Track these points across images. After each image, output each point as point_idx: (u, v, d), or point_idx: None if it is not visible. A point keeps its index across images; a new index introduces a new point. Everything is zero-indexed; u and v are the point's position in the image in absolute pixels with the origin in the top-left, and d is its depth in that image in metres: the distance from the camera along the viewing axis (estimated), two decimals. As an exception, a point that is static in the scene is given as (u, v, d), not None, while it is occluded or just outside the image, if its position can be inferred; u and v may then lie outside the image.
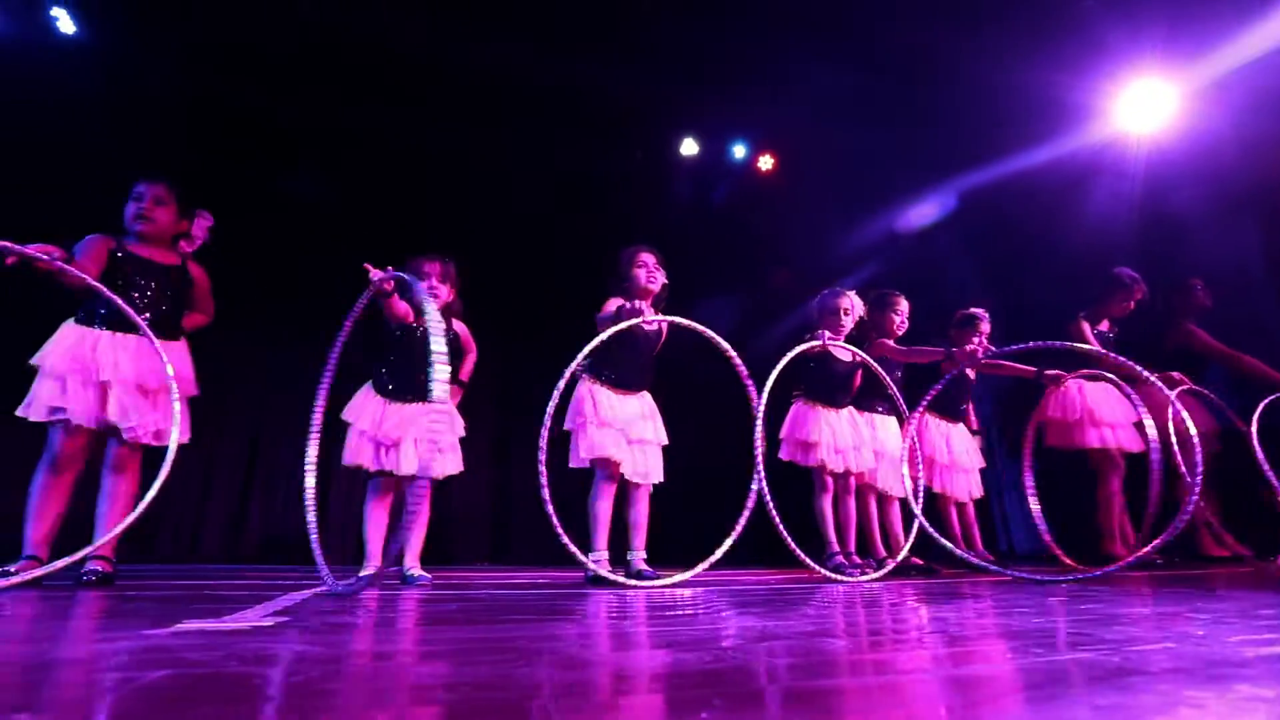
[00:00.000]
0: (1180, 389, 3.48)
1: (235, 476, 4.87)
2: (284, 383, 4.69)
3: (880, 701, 0.73)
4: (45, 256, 2.08)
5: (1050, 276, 4.58)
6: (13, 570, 2.12)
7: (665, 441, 2.80)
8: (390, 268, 2.40)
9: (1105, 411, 3.65)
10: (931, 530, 2.83)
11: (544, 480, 2.30)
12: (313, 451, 2.22)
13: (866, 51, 4.61)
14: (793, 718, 0.65)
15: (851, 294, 3.33)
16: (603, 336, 2.51)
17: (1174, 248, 4.44)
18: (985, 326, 3.62)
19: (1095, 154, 4.73)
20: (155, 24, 4.49)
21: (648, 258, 2.95)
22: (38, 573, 2.06)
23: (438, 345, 1.71)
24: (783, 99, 5.12)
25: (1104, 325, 3.84)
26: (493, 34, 4.59)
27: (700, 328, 2.60)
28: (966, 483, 3.61)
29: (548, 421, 2.37)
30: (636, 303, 2.51)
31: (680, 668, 0.88)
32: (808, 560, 2.70)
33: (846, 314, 3.28)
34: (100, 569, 2.24)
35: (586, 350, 2.48)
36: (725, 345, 2.58)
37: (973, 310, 3.69)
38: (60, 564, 2.05)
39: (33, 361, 2.28)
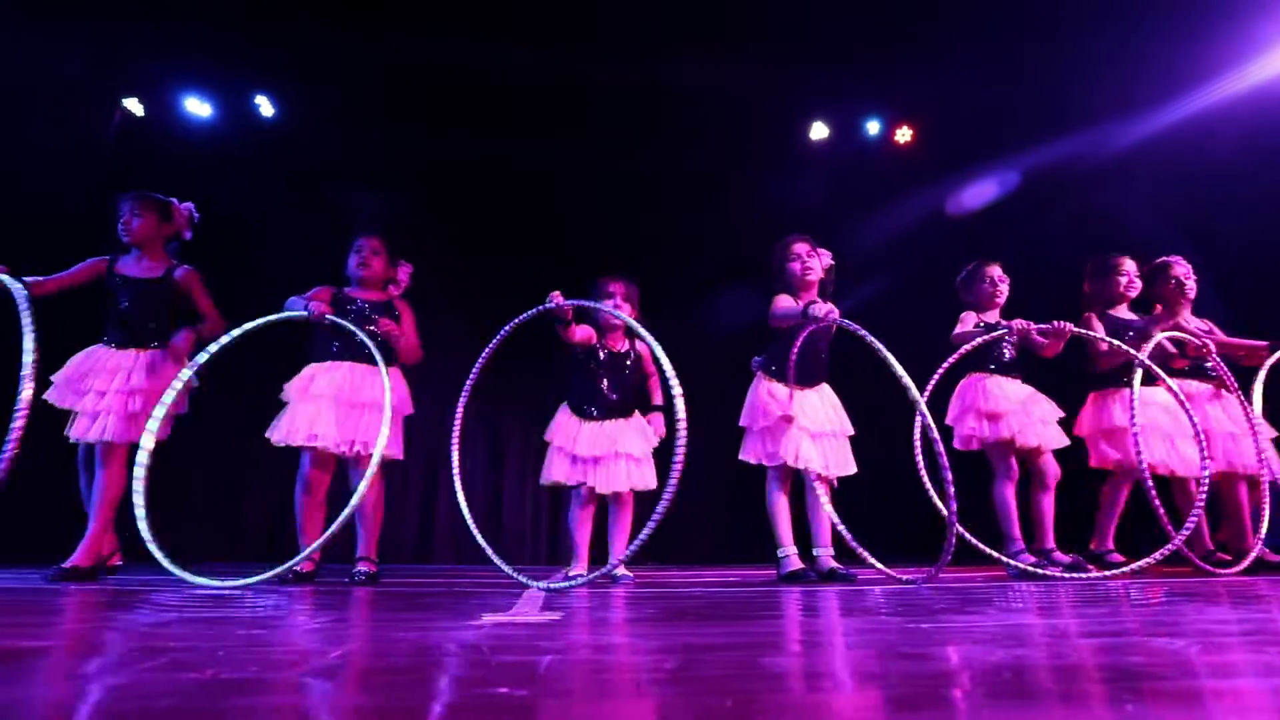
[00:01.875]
0: None
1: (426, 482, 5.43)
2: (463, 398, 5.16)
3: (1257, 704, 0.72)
4: (323, 315, 2.61)
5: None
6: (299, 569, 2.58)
7: (850, 432, 2.80)
8: (558, 294, 2.57)
9: None
10: None
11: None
12: (455, 457, 2.49)
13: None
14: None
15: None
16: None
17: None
18: (1178, 268, 3.24)
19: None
20: (337, 98, 5.15)
21: (800, 247, 2.94)
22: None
23: (667, 364, 1.90)
24: (917, 66, 4.90)
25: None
26: (616, 51, 4.80)
27: (862, 332, 2.57)
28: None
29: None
30: (821, 304, 2.54)
31: (990, 664, 0.94)
32: (997, 555, 2.60)
33: (1000, 281, 3.10)
34: (368, 569, 2.64)
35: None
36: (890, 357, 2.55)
37: (1165, 260, 3.31)
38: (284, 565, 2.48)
39: (283, 398, 2.74)
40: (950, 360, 2.77)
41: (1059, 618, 1.44)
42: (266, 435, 2.69)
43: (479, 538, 2.36)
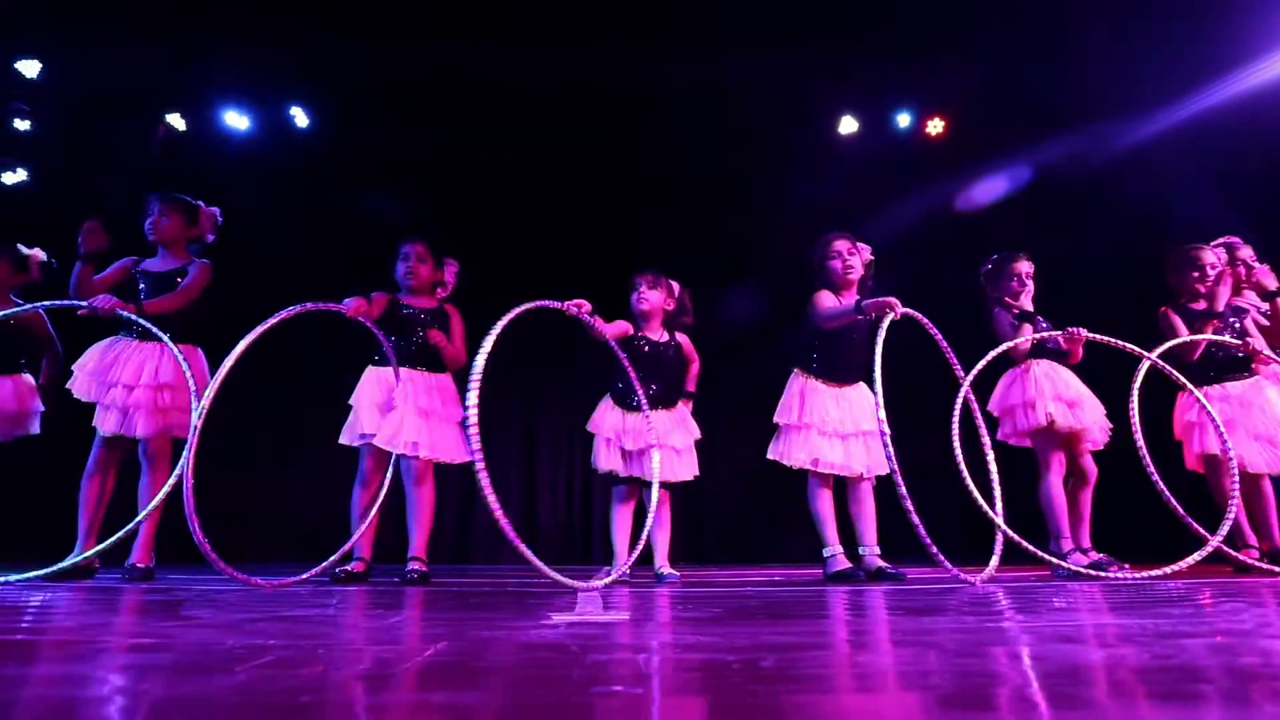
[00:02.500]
0: None
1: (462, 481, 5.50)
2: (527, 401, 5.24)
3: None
4: (358, 314, 2.62)
5: None
6: (351, 569, 2.69)
7: (886, 431, 2.76)
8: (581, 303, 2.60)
9: None
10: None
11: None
12: (477, 450, 2.42)
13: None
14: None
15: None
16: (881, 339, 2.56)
17: None
18: (1242, 250, 3.15)
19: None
20: (372, 109, 5.23)
21: (841, 245, 2.92)
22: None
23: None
24: (952, 55, 4.84)
25: None
26: (650, 51, 4.80)
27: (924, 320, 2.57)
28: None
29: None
30: (877, 301, 2.53)
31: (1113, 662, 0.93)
32: (1044, 555, 2.52)
33: (1027, 278, 3.01)
34: (419, 569, 2.68)
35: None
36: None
37: (1227, 241, 3.21)
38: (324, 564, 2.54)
39: (351, 402, 2.84)
40: (993, 354, 2.69)
41: (1156, 618, 1.42)
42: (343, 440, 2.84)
43: (518, 543, 2.34)
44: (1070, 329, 2.76)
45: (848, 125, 5.46)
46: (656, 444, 2.73)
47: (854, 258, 2.87)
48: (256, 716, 0.65)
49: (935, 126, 5.38)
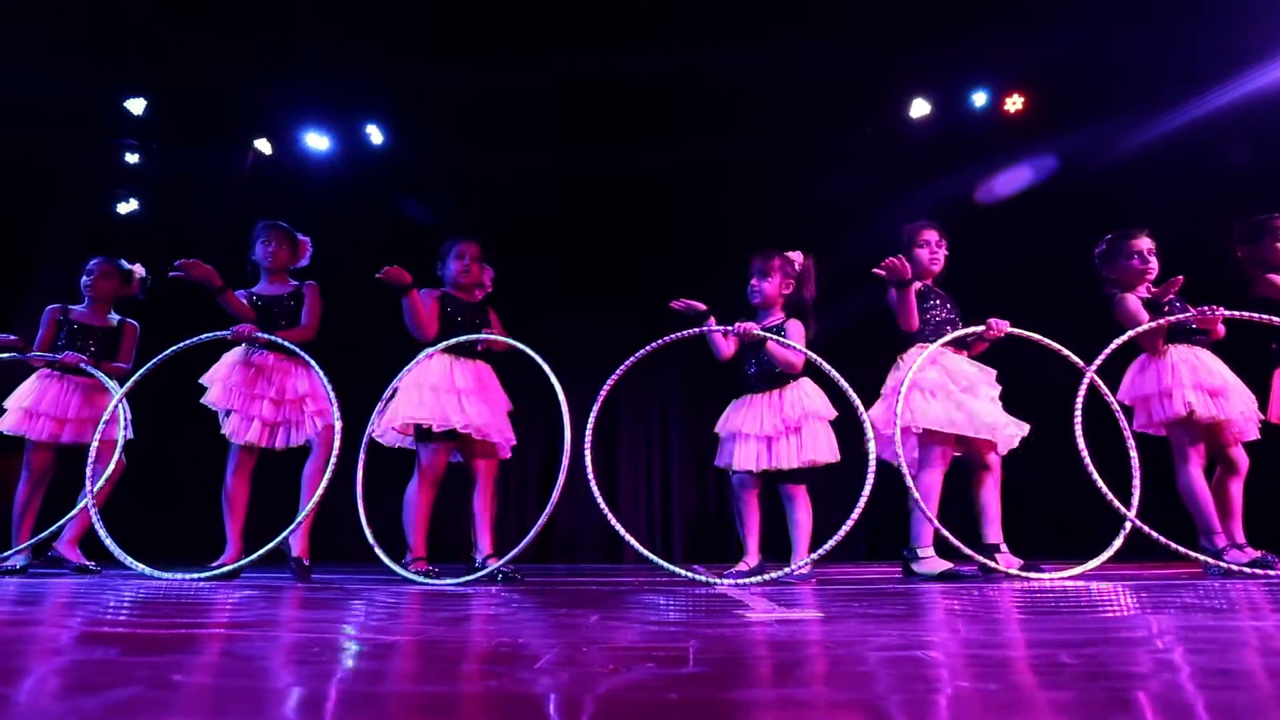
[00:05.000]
0: None
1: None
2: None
3: None
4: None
5: None
6: (411, 566, 2.61)
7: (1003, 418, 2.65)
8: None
9: None
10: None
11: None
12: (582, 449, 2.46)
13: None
14: None
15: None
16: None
17: None
18: None
19: None
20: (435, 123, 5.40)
21: (930, 235, 2.86)
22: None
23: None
24: (1030, 27, 4.62)
25: None
26: (716, 42, 4.78)
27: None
28: None
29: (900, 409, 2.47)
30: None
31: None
32: (1188, 551, 2.36)
33: (1149, 255, 2.78)
34: (506, 568, 2.61)
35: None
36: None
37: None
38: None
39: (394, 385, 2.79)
40: (1119, 341, 2.54)
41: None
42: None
43: (638, 544, 2.38)
44: (1205, 307, 2.56)
45: (919, 108, 5.30)
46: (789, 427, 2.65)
47: (941, 250, 2.86)
48: (666, 715, 0.66)
49: (1014, 103, 5.16)
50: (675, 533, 5.22)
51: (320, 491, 2.59)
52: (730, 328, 2.63)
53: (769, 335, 2.65)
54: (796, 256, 2.87)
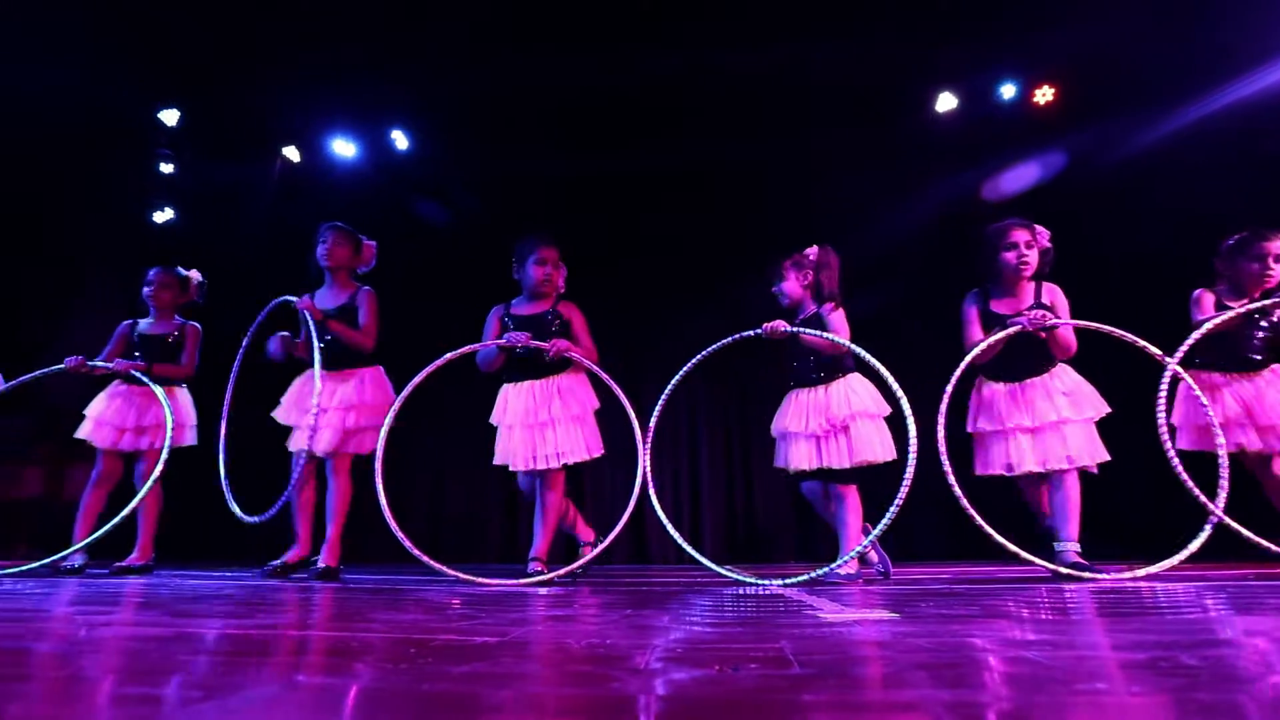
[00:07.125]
0: None
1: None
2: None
3: None
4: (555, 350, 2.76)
5: None
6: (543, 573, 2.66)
7: (1084, 416, 2.53)
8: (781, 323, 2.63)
9: None
10: None
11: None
12: (645, 460, 2.56)
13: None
14: None
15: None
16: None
17: None
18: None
19: None
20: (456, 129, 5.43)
21: (1020, 235, 2.63)
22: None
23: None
24: (1062, 18, 4.56)
25: None
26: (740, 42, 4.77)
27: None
28: None
29: (941, 420, 2.42)
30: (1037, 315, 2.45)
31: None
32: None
33: (1275, 263, 2.60)
34: (541, 569, 2.66)
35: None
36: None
37: None
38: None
39: (492, 421, 2.89)
40: (1198, 334, 2.43)
41: None
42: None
43: (691, 548, 2.42)
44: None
45: (945, 102, 5.25)
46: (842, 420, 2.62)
47: (1031, 251, 2.60)
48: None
49: (1044, 95, 5.09)
50: (705, 532, 5.20)
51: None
52: (760, 329, 2.60)
53: (797, 329, 2.60)
54: (811, 251, 2.81)
